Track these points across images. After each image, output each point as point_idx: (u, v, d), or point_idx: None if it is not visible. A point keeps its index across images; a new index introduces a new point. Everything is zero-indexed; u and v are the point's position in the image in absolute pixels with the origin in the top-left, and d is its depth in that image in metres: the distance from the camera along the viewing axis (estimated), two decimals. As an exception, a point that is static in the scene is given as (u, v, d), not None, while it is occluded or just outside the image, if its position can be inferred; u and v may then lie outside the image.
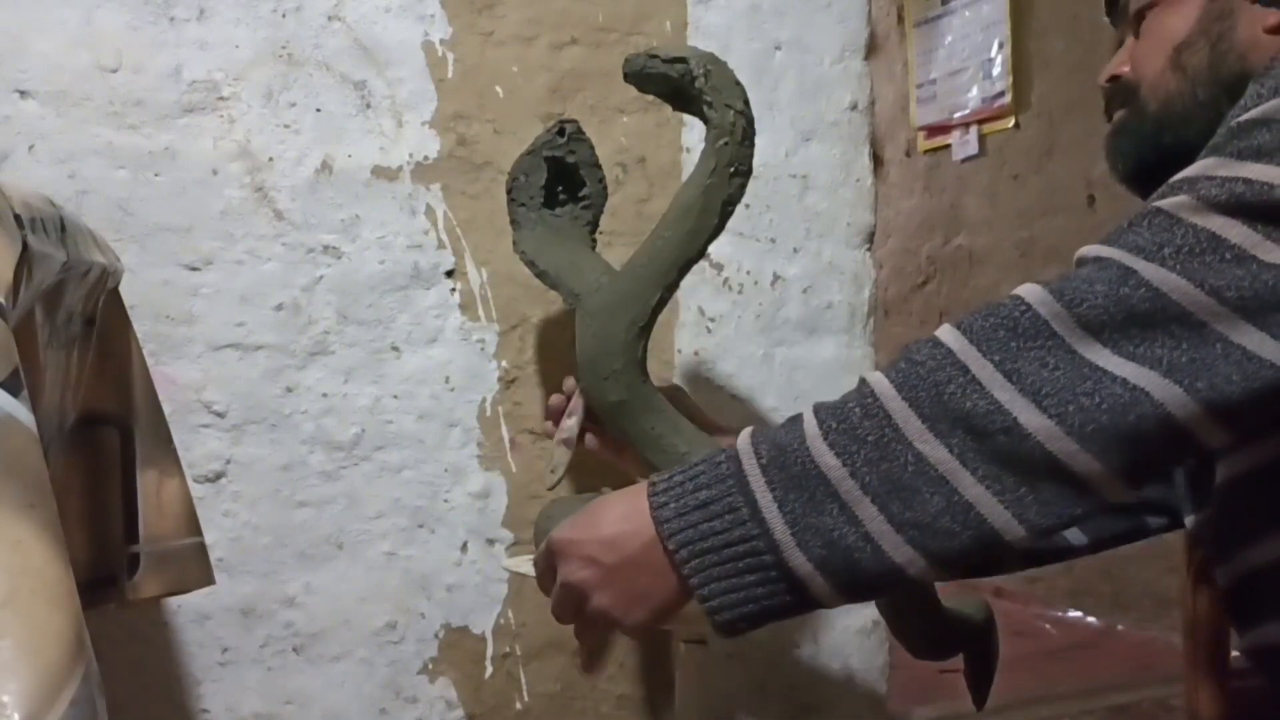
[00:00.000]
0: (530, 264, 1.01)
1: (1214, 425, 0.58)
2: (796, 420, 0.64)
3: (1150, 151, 0.82)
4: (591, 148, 1.05)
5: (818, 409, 0.63)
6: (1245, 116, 0.64)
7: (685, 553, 0.62)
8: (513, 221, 1.04)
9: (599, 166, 1.05)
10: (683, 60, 0.88)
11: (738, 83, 0.88)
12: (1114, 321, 0.59)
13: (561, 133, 1.03)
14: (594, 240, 1.06)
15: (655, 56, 0.90)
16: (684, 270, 0.92)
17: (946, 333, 0.62)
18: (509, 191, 1.04)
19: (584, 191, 1.05)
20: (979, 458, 0.58)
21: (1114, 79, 0.88)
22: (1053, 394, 0.58)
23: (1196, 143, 0.70)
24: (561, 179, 1.05)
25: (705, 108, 0.87)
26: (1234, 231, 0.59)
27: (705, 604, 0.62)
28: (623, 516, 0.66)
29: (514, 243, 1.03)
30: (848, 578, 0.60)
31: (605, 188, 1.06)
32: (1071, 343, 0.59)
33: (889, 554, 0.59)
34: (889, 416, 0.60)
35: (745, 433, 0.65)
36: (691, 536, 0.62)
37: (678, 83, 0.89)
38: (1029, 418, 0.57)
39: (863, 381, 0.63)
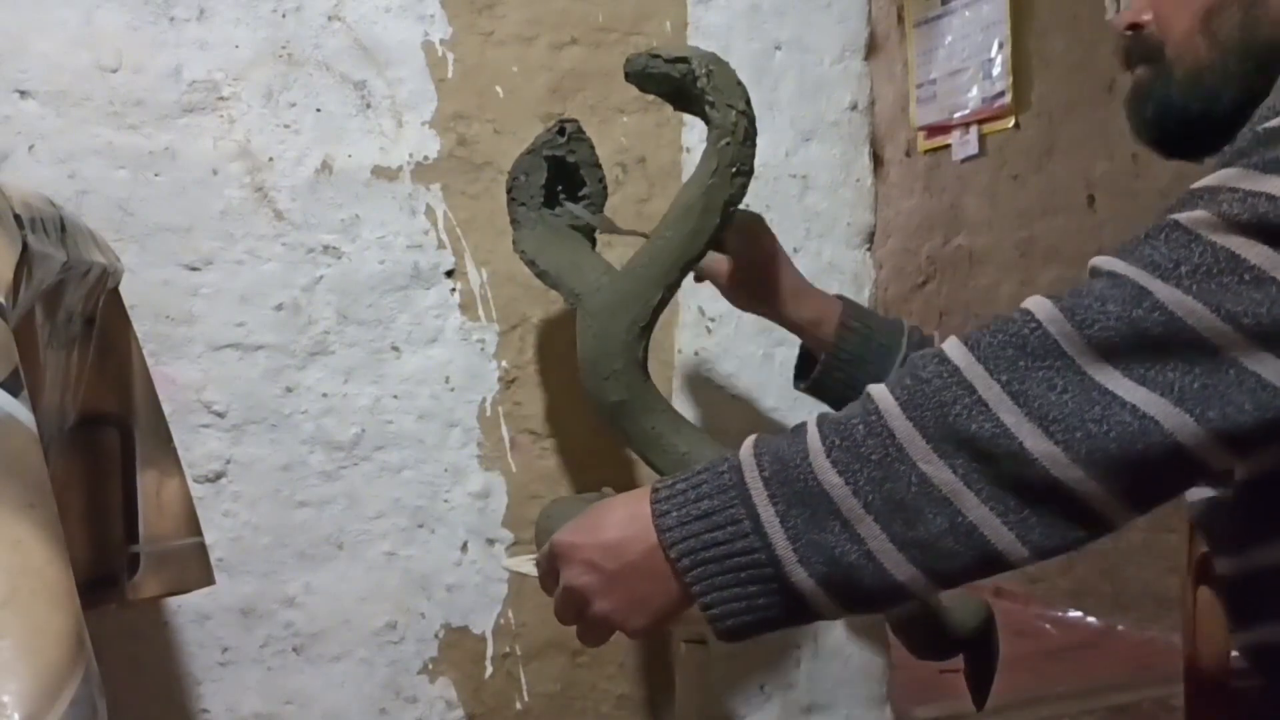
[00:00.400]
0: (530, 264, 1.01)
1: (1224, 453, 0.57)
2: (800, 432, 0.63)
3: (1176, 121, 0.78)
4: (592, 147, 1.05)
5: (821, 421, 0.63)
6: (1271, 123, 0.62)
7: (687, 561, 0.62)
8: (513, 221, 1.04)
9: (599, 166, 1.05)
10: (684, 60, 0.88)
11: (740, 83, 0.88)
12: (1126, 344, 0.57)
13: (562, 132, 1.03)
14: (594, 240, 1.06)
15: (657, 56, 0.89)
16: (685, 270, 0.92)
17: (954, 348, 0.61)
18: (509, 191, 1.04)
19: (584, 191, 1.05)
20: (983, 480, 0.57)
21: (1134, 27, 0.82)
22: (1060, 419, 0.57)
23: (1225, 113, 0.68)
24: (562, 179, 1.05)
25: (707, 108, 0.87)
26: (1254, 252, 0.57)
27: (707, 611, 0.63)
28: (625, 521, 0.65)
29: (514, 242, 1.03)
30: (849, 594, 0.60)
31: (605, 187, 1.06)
32: (1081, 364, 0.58)
33: (891, 572, 0.59)
34: (893, 435, 0.59)
35: (748, 442, 0.65)
36: (693, 546, 0.62)
37: (679, 83, 0.89)
38: (1035, 443, 0.57)
39: (867, 396, 0.62)
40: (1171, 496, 0.61)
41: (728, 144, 0.87)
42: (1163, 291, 0.58)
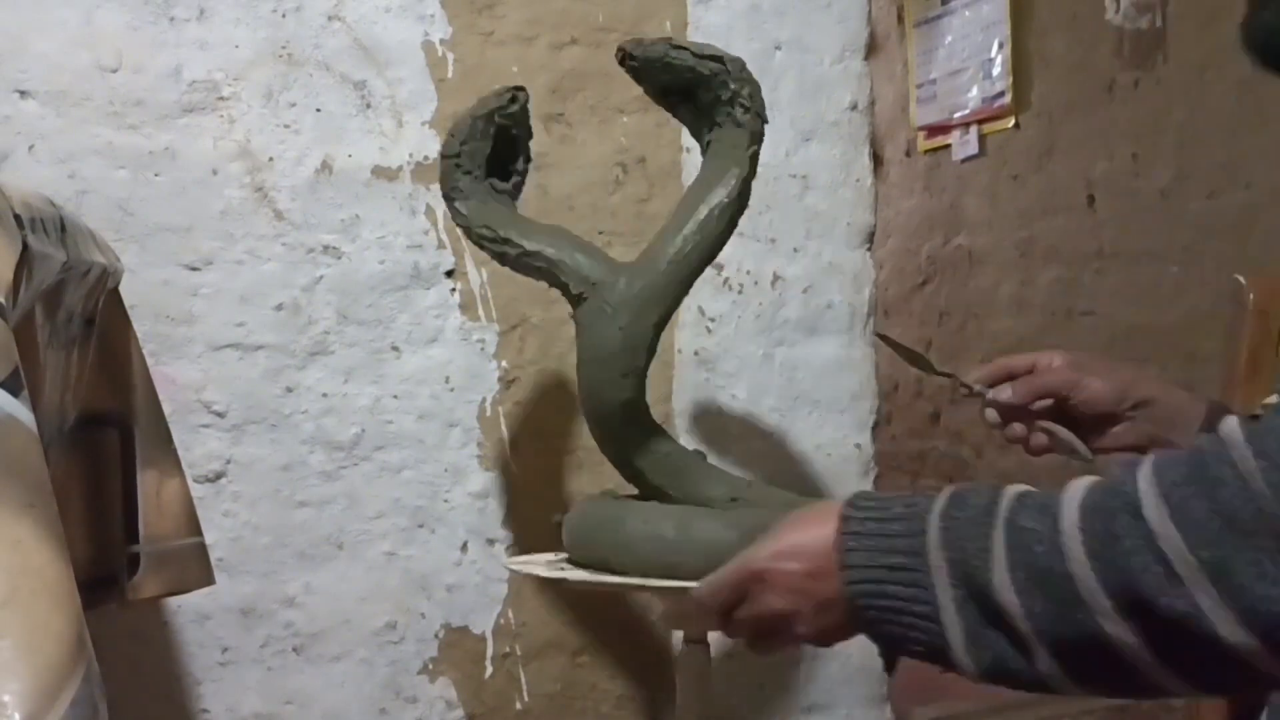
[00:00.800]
0: (504, 241, 0.92)
1: None
2: (990, 518, 0.61)
3: None
4: (529, 125, 0.98)
5: (1009, 527, 0.60)
6: None
7: (864, 602, 0.64)
8: (452, 188, 0.94)
9: (529, 145, 0.99)
10: (718, 59, 0.86)
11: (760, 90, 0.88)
12: None
13: (514, 100, 0.95)
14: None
15: (683, 48, 0.87)
16: (699, 273, 0.92)
17: (1151, 501, 0.56)
18: (452, 156, 0.94)
19: (516, 166, 0.98)
20: (1169, 649, 0.55)
21: None
22: (1264, 613, 0.52)
23: None
24: (502, 149, 0.97)
25: (739, 111, 0.86)
26: None
27: (876, 642, 0.65)
28: (820, 550, 0.67)
29: (458, 214, 0.94)
30: (1006, 684, 0.62)
31: (529, 166, 0.99)
32: None
33: (1055, 689, 0.60)
34: (1074, 583, 0.57)
35: (937, 509, 0.63)
36: (873, 591, 0.64)
37: (705, 79, 0.87)
38: (1230, 631, 0.53)
39: (1056, 529, 0.59)
40: None
41: (755, 151, 0.86)
42: None
